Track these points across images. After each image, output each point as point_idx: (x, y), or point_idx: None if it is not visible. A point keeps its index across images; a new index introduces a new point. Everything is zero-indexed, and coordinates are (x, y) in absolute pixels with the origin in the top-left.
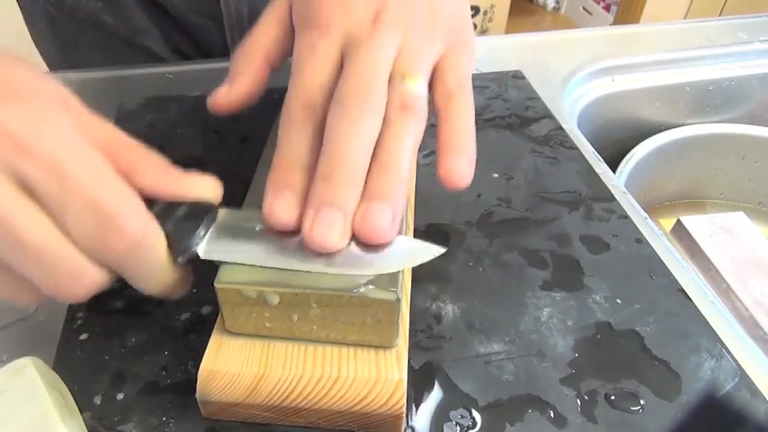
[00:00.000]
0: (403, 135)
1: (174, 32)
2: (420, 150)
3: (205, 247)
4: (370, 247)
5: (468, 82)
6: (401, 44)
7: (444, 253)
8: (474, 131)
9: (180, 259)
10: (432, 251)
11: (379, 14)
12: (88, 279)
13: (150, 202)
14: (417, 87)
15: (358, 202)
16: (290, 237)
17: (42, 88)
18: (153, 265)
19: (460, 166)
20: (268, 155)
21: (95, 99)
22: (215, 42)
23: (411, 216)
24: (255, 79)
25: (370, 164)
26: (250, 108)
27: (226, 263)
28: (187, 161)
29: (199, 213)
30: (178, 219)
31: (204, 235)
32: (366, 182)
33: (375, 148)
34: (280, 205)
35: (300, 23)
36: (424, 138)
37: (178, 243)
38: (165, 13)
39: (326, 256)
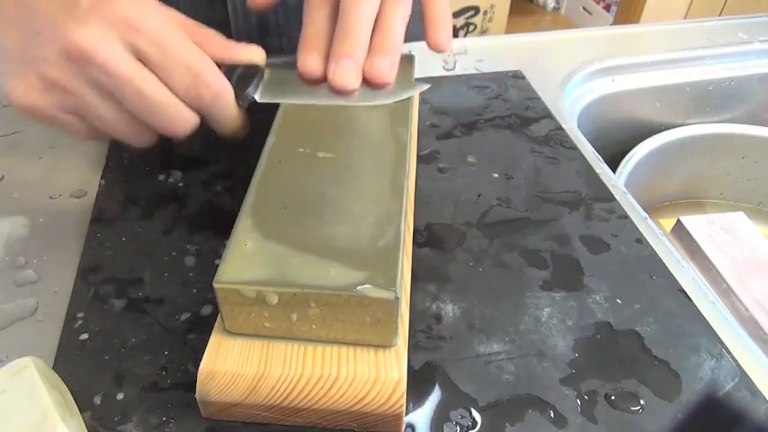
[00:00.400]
0: (395, 10)
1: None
2: (420, 150)
3: (259, 94)
4: (375, 88)
5: None
6: None
7: (444, 253)
8: (450, 12)
9: (241, 103)
10: (419, 86)
11: None
12: (187, 119)
13: (217, 65)
14: None
15: (366, 55)
16: (318, 84)
17: None
18: (227, 108)
19: (442, 36)
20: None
21: None
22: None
23: (411, 216)
24: None
25: (373, 31)
26: (250, 108)
27: (279, 102)
28: (187, 161)
29: (252, 72)
30: (238, 76)
31: (257, 86)
32: (370, 43)
33: (375, 21)
34: (309, 60)
35: None
36: (423, 138)
37: (240, 93)
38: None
39: (346, 94)
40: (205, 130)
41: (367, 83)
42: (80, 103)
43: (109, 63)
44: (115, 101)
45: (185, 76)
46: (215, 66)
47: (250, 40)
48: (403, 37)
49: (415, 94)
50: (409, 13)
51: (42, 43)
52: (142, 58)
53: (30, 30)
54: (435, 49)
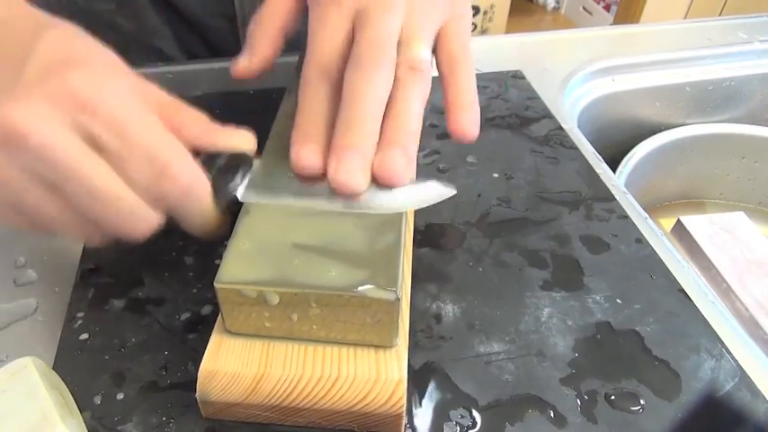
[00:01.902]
0: (412, 91)
1: (186, 33)
2: (420, 150)
3: (243, 192)
4: (387, 190)
5: (469, 48)
6: (406, 16)
7: (444, 253)
8: (476, 93)
9: (221, 203)
10: (444, 192)
11: None
12: (147, 220)
13: (195, 153)
14: (422, 52)
15: (375, 149)
16: (317, 182)
17: (98, 55)
18: (200, 207)
19: (468, 122)
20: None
21: None
22: (227, 43)
23: (411, 216)
24: (272, 48)
25: (384, 117)
26: (250, 108)
27: (258, 204)
28: None
29: (237, 163)
30: (219, 168)
31: (242, 182)
32: (381, 132)
33: (388, 104)
34: (305, 153)
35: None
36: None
37: (220, 189)
38: (177, 14)
39: (349, 197)
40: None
41: (375, 180)
42: (15, 195)
43: (51, 148)
44: (61, 194)
45: (146, 167)
46: (186, 155)
47: None
48: (420, 125)
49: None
50: (428, 92)
51: None
52: (97, 144)
53: None
54: (461, 138)
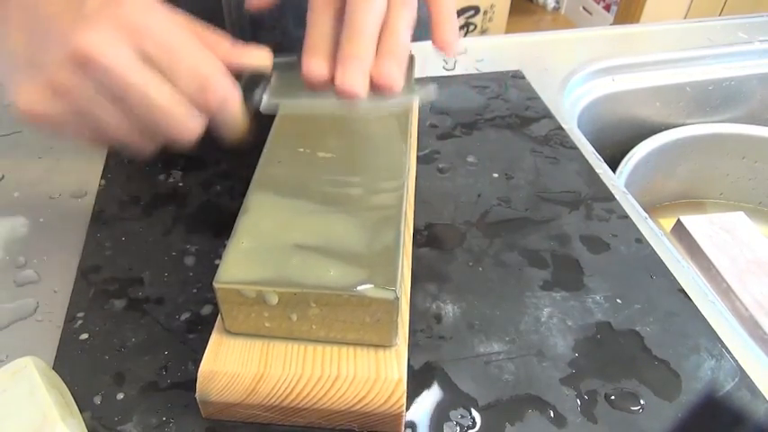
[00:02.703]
0: (401, 13)
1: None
2: (419, 150)
3: (265, 101)
4: (382, 93)
5: None
6: None
7: (444, 253)
8: (455, 11)
9: (249, 111)
10: (426, 90)
11: None
12: (193, 125)
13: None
14: None
15: (372, 60)
16: (325, 89)
17: None
18: (233, 114)
19: (449, 34)
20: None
21: None
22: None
23: (411, 216)
24: None
25: (380, 34)
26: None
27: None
28: (186, 161)
29: (258, 78)
30: (245, 81)
31: (263, 93)
32: (378, 45)
33: (383, 26)
34: (314, 64)
35: None
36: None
37: (247, 99)
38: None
39: (354, 99)
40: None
41: (374, 88)
42: (87, 107)
43: (115, 67)
44: (122, 105)
45: (193, 81)
46: (224, 71)
47: (243, 33)
48: (409, 41)
49: (419, 97)
50: (415, 17)
51: (48, 48)
52: (150, 62)
53: (35, 34)
54: (443, 49)
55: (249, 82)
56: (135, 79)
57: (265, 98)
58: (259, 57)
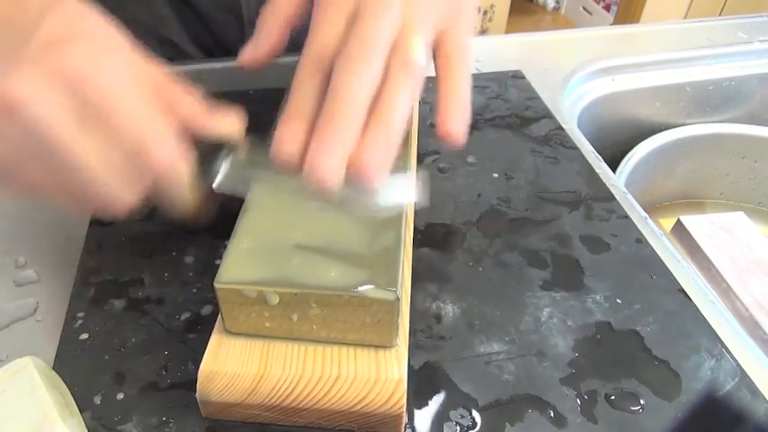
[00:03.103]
0: (401, 87)
1: (195, 25)
2: (420, 150)
3: (219, 181)
4: (362, 191)
5: (468, 47)
6: (404, 13)
7: (444, 253)
8: (469, 93)
9: (200, 189)
10: (413, 195)
11: None
12: (124, 197)
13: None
14: (415, 47)
15: (354, 144)
16: (294, 174)
17: (101, 33)
18: (178, 191)
19: (454, 123)
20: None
21: None
22: (235, 37)
23: (411, 215)
24: (278, 39)
25: (370, 111)
26: (250, 108)
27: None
28: None
29: (219, 150)
30: (202, 153)
31: (219, 170)
32: (364, 126)
33: (375, 100)
34: (286, 143)
35: None
36: (423, 138)
37: (200, 175)
38: (186, 4)
39: (324, 195)
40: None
41: (351, 176)
42: (13, 157)
43: (41, 119)
44: (48, 162)
45: (130, 143)
46: (169, 139)
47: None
48: (405, 121)
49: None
50: (419, 88)
51: None
52: (85, 118)
53: None
54: (445, 139)
55: (209, 151)
56: (61, 135)
57: (221, 173)
58: (227, 123)
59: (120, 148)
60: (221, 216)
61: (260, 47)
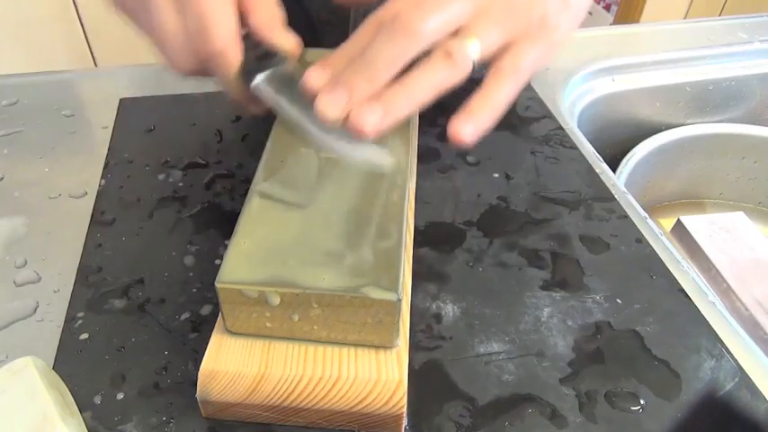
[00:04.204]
0: (432, 72)
1: (298, 24)
2: (420, 150)
3: (259, 81)
4: (353, 133)
5: (524, 71)
6: (480, 10)
7: (444, 253)
8: (500, 107)
9: (241, 80)
10: (388, 164)
11: None
12: (185, 59)
13: (251, 34)
14: (470, 47)
15: (364, 97)
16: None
17: None
18: (223, 72)
19: (465, 126)
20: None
21: (96, 93)
22: (335, 40)
23: (411, 216)
24: None
25: (394, 80)
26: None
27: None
28: (188, 161)
29: (271, 57)
30: (258, 54)
31: (263, 74)
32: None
33: (404, 73)
34: (316, 73)
35: None
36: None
37: (246, 69)
38: (297, 3)
39: (326, 127)
40: (206, 130)
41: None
42: (132, 6)
43: None
44: (148, 16)
45: (194, 21)
46: (229, 28)
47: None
48: (421, 102)
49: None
50: (450, 82)
51: None
52: None
53: None
54: (451, 138)
55: (258, 58)
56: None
57: (258, 80)
58: (284, 39)
59: (189, 21)
60: (222, 216)
61: None
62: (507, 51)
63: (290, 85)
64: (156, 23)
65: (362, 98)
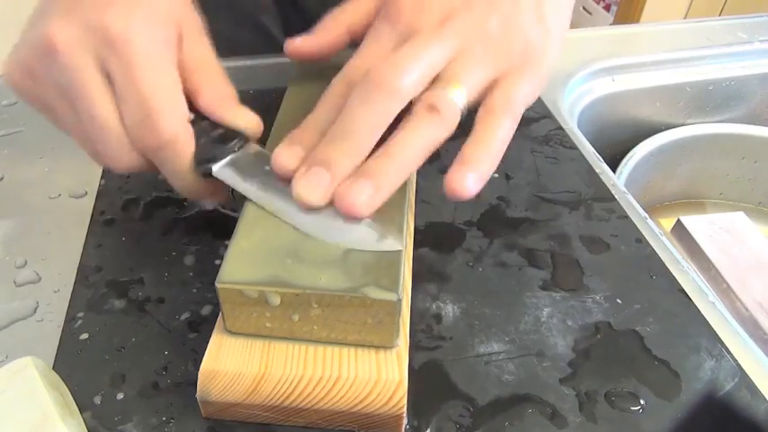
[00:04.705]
0: (418, 131)
1: (290, 14)
2: None
3: (219, 167)
4: (343, 217)
5: (517, 106)
6: (457, 52)
7: (444, 253)
8: (499, 151)
9: (198, 169)
10: (389, 245)
11: (447, 19)
12: (126, 158)
13: (202, 117)
14: (454, 95)
15: (347, 173)
16: (286, 187)
17: (159, 2)
18: (176, 165)
19: (465, 178)
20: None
21: None
22: None
23: (411, 216)
24: (332, 40)
25: (377, 149)
26: (250, 108)
27: (233, 188)
28: None
29: (230, 139)
30: (213, 138)
31: (223, 157)
32: (366, 161)
33: (388, 138)
34: (286, 152)
35: (381, 13)
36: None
37: (203, 156)
38: (292, 4)
39: (304, 211)
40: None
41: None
42: (47, 97)
43: (71, 69)
44: (73, 108)
45: (136, 110)
46: (178, 112)
47: (302, 28)
48: (411, 167)
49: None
50: (441, 138)
51: (34, 28)
52: (108, 76)
53: (39, 8)
54: (449, 194)
55: (215, 141)
56: (85, 89)
57: (217, 165)
58: (243, 119)
59: (131, 110)
60: (222, 216)
61: (314, 40)
62: (495, 89)
63: (257, 167)
64: (87, 118)
65: (345, 175)
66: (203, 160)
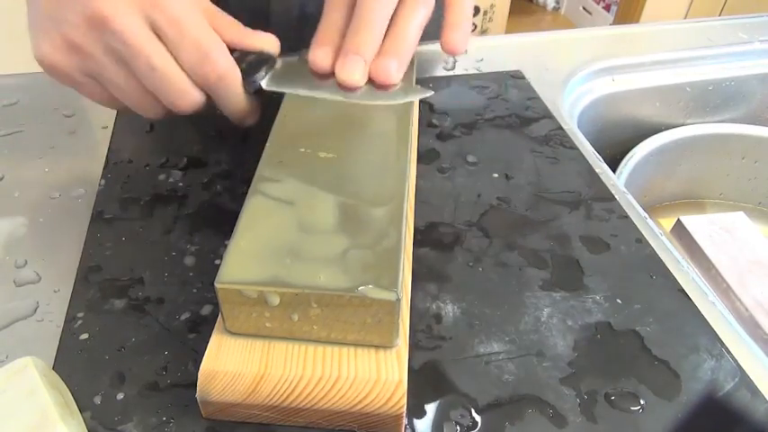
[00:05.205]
0: (413, 12)
1: (281, 22)
2: (420, 150)
3: (266, 81)
4: (381, 88)
5: None
6: None
7: (444, 253)
8: (471, 16)
9: (248, 88)
10: (424, 91)
11: None
12: (192, 95)
13: (231, 50)
14: None
15: (375, 54)
16: (326, 78)
17: None
18: (232, 90)
19: (457, 39)
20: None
21: None
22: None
23: (411, 216)
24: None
25: (387, 30)
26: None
27: (285, 92)
28: (188, 160)
29: (262, 60)
30: (249, 62)
31: (265, 75)
32: (383, 41)
33: (391, 21)
34: (319, 54)
35: None
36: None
37: (248, 78)
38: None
39: (351, 90)
40: (206, 130)
41: (371, 82)
42: (97, 67)
43: (125, 32)
44: (128, 69)
45: (194, 53)
46: (225, 48)
47: (288, 29)
48: (417, 40)
49: (419, 98)
50: (428, 16)
51: (69, 6)
52: (158, 33)
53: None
54: (450, 51)
55: (253, 63)
56: (140, 45)
57: (266, 80)
58: (265, 40)
59: (186, 57)
60: (222, 216)
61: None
62: None
63: (292, 73)
64: (147, 70)
65: (373, 56)
66: (251, 81)
